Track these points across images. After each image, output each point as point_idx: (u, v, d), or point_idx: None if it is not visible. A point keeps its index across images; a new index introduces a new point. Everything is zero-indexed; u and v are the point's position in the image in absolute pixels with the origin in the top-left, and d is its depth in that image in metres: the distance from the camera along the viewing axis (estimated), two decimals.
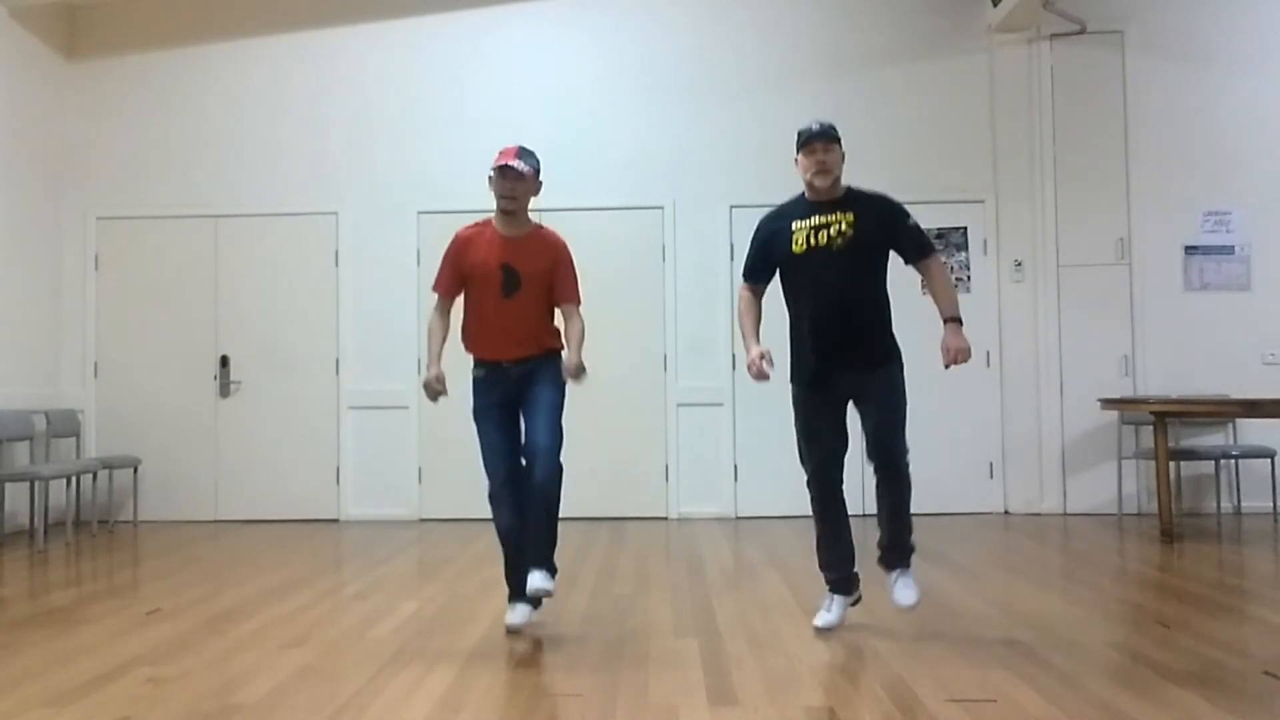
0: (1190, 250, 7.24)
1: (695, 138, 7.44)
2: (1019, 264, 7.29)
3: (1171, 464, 6.62)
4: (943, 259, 3.77)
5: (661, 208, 7.42)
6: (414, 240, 7.46)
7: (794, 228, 3.66)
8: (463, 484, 7.25)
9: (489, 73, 7.54)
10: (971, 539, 6.06)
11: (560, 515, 3.77)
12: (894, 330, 3.70)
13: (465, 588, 4.70)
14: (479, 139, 7.47)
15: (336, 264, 7.49)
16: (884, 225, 3.63)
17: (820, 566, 3.81)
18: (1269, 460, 6.86)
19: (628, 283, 7.34)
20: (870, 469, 3.65)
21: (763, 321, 3.82)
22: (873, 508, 3.72)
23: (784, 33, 7.47)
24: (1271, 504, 6.88)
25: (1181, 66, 7.30)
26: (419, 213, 7.47)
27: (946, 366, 3.62)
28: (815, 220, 3.64)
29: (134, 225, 7.58)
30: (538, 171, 3.82)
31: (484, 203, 7.30)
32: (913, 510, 3.64)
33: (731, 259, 7.34)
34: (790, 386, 3.75)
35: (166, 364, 7.50)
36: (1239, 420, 7.03)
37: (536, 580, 3.63)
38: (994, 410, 7.23)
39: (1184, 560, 5.22)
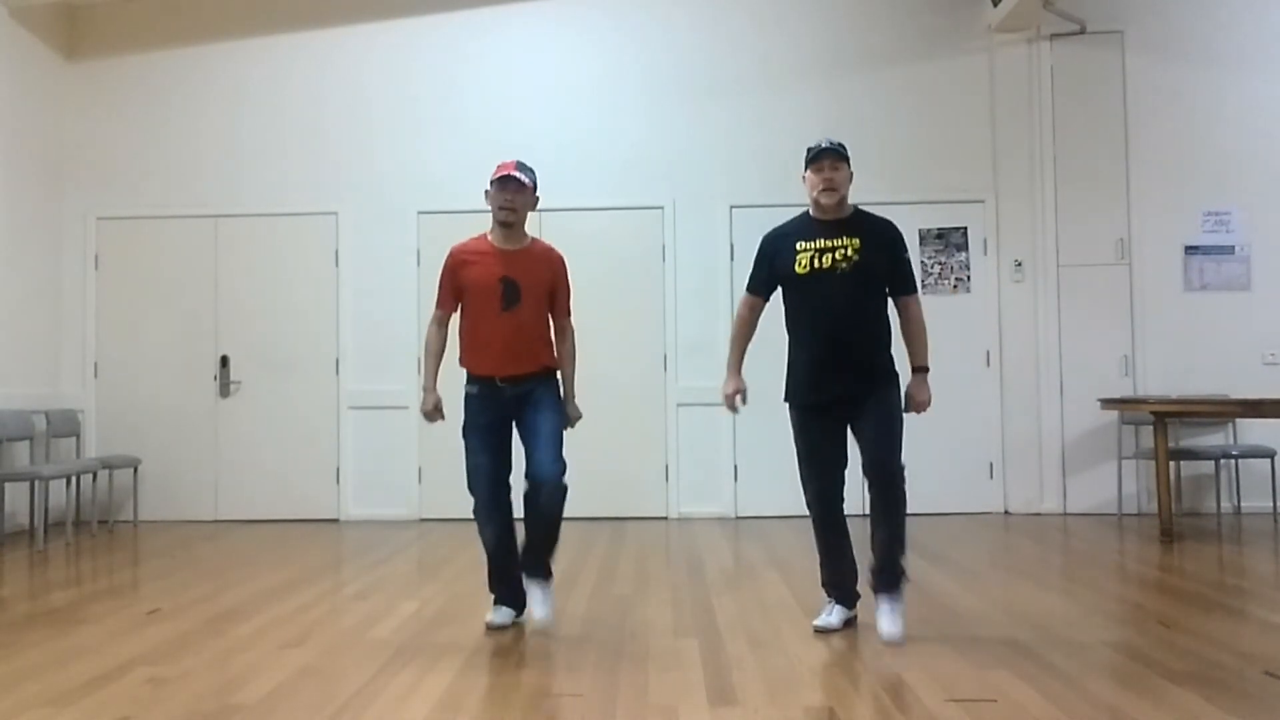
0: (1190, 250, 7.24)
1: (695, 138, 7.45)
2: (1019, 264, 7.29)
3: (1171, 464, 6.63)
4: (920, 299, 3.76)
5: (661, 208, 7.42)
6: (414, 240, 7.46)
7: (798, 248, 3.63)
8: (463, 484, 7.24)
9: (489, 73, 7.54)
10: (971, 539, 6.06)
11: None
12: (891, 352, 3.66)
13: (465, 588, 4.70)
14: (479, 139, 7.48)
15: (336, 264, 7.50)
16: (887, 252, 3.63)
17: (823, 584, 3.81)
18: (1269, 460, 6.86)
19: (628, 283, 7.34)
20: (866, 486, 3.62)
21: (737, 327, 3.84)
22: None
23: (784, 33, 7.48)
24: (1271, 504, 6.88)
25: (1181, 66, 7.30)
26: (419, 213, 7.47)
27: (907, 412, 3.64)
28: (821, 243, 3.61)
29: (134, 225, 7.58)
30: (535, 185, 3.85)
31: (483, 203, 7.34)
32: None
33: (731, 259, 7.34)
34: (788, 408, 3.73)
35: (166, 364, 7.51)
36: (1239, 420, 7.03)
37: (542, 612, 3.72)
38: (994, 410, 7.23)
39: (1184, 560, 5.22)
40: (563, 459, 3.71)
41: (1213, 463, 7.00)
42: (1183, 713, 2.75)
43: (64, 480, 7.11)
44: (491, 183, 3.77)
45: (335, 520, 7.36)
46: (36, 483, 6.38)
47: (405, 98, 7.55)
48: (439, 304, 3.85)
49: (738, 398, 3.73)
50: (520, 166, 3.77)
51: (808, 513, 3.75)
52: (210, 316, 7.52)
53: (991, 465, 7.25)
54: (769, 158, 7.40)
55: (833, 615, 3.76)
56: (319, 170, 7.55)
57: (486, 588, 3.93)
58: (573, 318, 3.93)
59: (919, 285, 3.82)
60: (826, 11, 7.48)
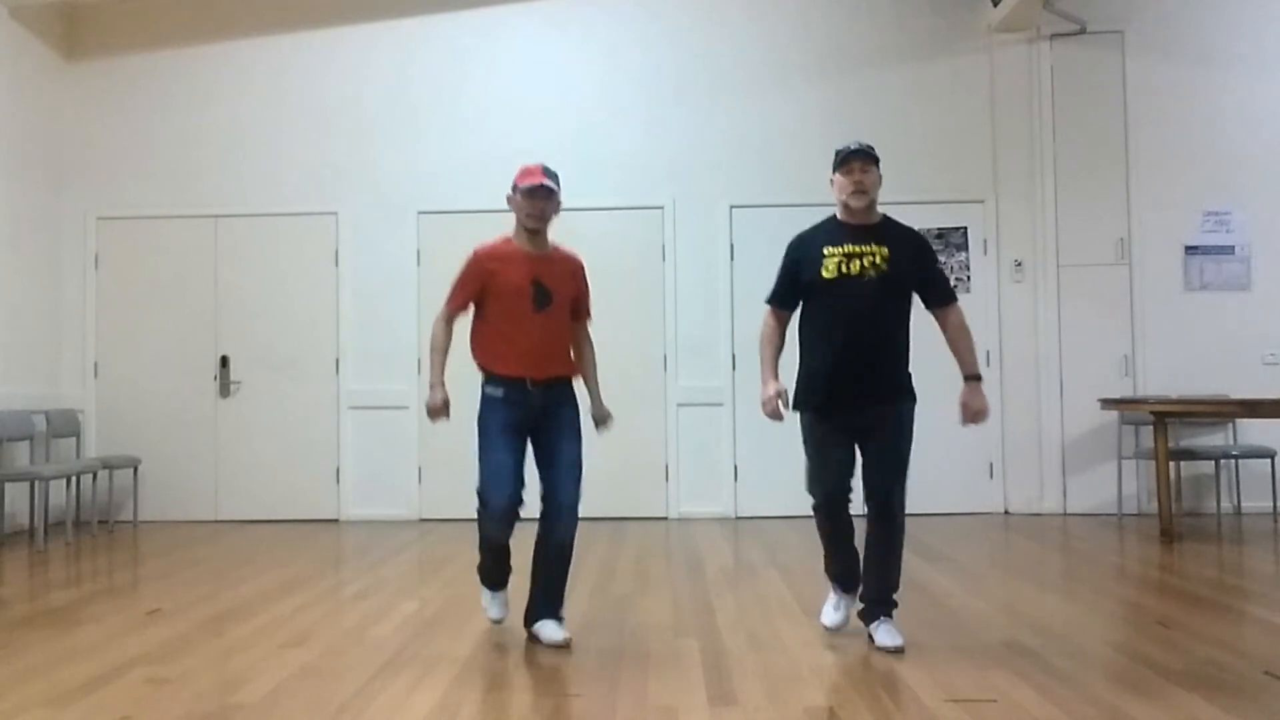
0: (1190, 250, 7.24)
1: (695, 138, 7.44)
2: (1019, 264, 7.29)
3: (1171, 464, 6.62)
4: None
5: (661, 208, 7.42)
6: (414, 240, 7.46)
7: (826, 253, 3.53)
8: (463, 484, 7.25)
9: (489, 73, 7.54)
10: (971, 539, 6.06)
11: None
12: (910, 370, 3.60)
13: (465, 588, 4.70)
14: (479, 139, 7.48)
15: (336, 264, 7.49)
16: (916, 263, 3.55)
17: (830, 574, 3.71)
18: (1269, 460, 6.86)
19: (628, 283, 7.34)
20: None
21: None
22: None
23: (784, 33, 7.47)
24: (1271, 504, 6.88)
25: (1181, 66, 7.30)
26: (419, 213, 7.47)
27: (964, 424, 3.55)
28: (849, 247, 3.52)
29: (134, 225, 7.58)
30: (559, 190, 3.73)
31: (483, 203, 7.37)
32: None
33: (731, 259, 7.34)
34: (800, 412, 3.61)
35: (166, 364, 7.51)
36: (1239, 420, 7.02)
37: (554, 634, 3.60)
38: (994, 410, 7.23)
39: (1184, 560, 5.22)
40: (581, 487, 3.64)
41: (1213, 463, 7.00)
42: (1183, 713, 2.75)
43: (64, 480, 7.11)
44: (518, 189, 3.64)
45: (335, 520, 7.36)
46: (36, 483, 6.38)
47: (405, 98, 7.55)
48: (451, 301, 3.70)
49: (779, 400, 3.55)
50: (547, 172, 3.64)
51: (810, 514, 3.63)
52: (210, 316, 7.52)
53: (991, 465, 7.25)
54: (769, 158, 7.40)
55: (840, 610, 3.71)
56: (319, 170, 7.55)
57: (478, 569, 3.81)
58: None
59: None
60: (827, 11, 7.48)
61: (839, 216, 3.62)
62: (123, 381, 7.51)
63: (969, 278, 7.28)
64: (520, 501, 3.56)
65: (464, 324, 3.74)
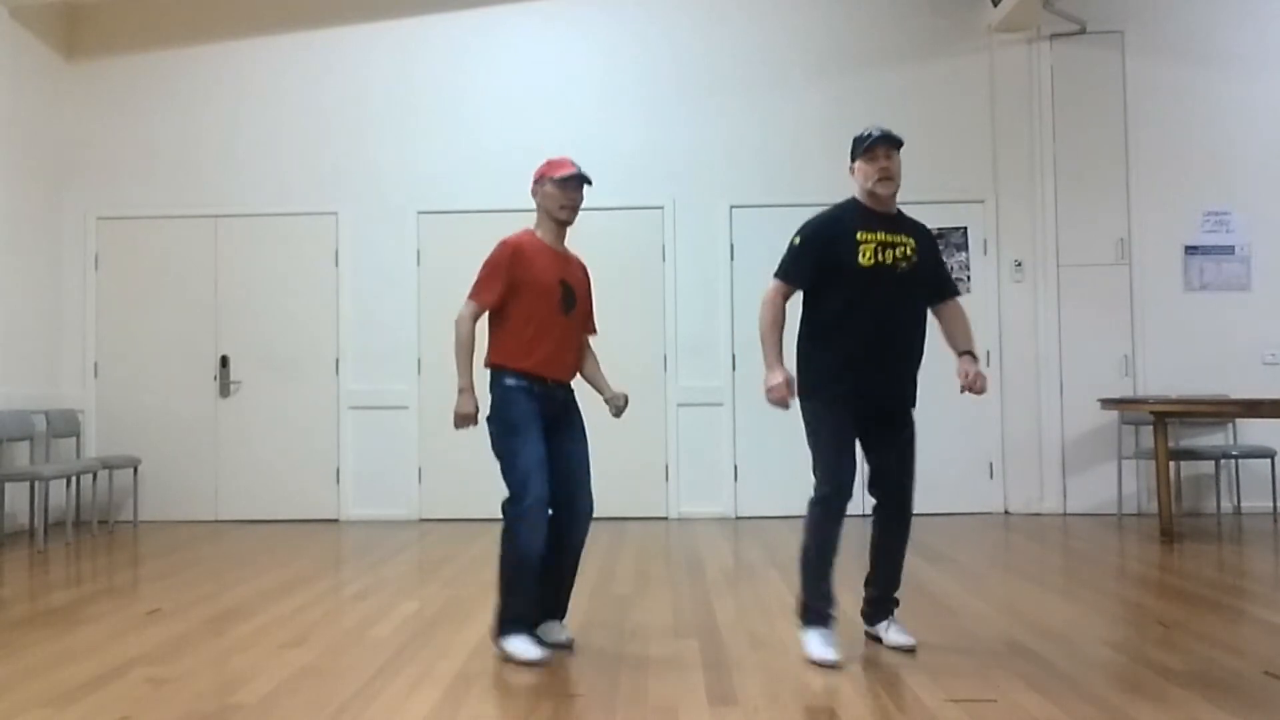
0: (1190, 250, 7.24)
1: (695, 138, 7.45)
2: (1019, 264, 7.29)
3: (1171, 464, 6.63)
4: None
5: (661, 208, 7.42)
6: (414, 240, 7.46)
7: (860, 238, 3.38)
8: (463, 484, 7.26)
9: (489, 73, 7.54)
10: (971, 539, 6.06)
11: None
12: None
13: (465, 588, 4.70)
14: (479, 139, 7.48)
15: (336, 264, 7.50)
16: (931, 256, 3.52)
17: (818, 598, 3.40)
18: (1269, 460, 6.86)
19: (628, 283, 7.34)
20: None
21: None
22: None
23: (784, 33, 7.48)
24: (1271, 504, 6.88)
25: (1181, 66, 7.30)
26: (419, 213, 7.47)
27: (962, 390, 3.45)
28: (883, 236, 3.40)
29: (134, 225, 7.58)
30: None
31: (483, 203, 7.37)
32: (913, 510, 3.59)
33: (731, 259, 7.35)
34: (810, 401, 3.43)
35: (166, 364, 7.51)
36: (1239, 420, 7.03)
37: (559, 634, 3.56)
38: (994, 410, 7.23)
39: (1184, 560, 5.22)
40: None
41: (1213, 463, 7.00)
42: (1183, 713, 2.75)
43: (64, 480, 7.11)
44: (550, 180, 3.53)
45: (335, 520, 7.36)
46: (36, 483, 6.38)
47: (405, 98, 7.55)
48: (482, 295, 3.48)
49: (788, 389, 3.38)
50: (575, 165, 3.58)
51: (812, 510, 3.39)
52: (210, 317, 7.52)
53: (991, 465, 7.25)
54: (769, 158, 7.40)
55: (834, 639, 3.40)
56: (319, 170, 7.55)
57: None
58: None
59: None
60: (827, 11, 7.48)
61: (864, 203, 3.48)
62: (123, 381, 7.51)
63: (969, 278, 7.28)
64: (549, 495, 3.44)
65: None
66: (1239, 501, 7.08)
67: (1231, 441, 7.06)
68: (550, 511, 3.48)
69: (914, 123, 7.36)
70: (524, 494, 3.36)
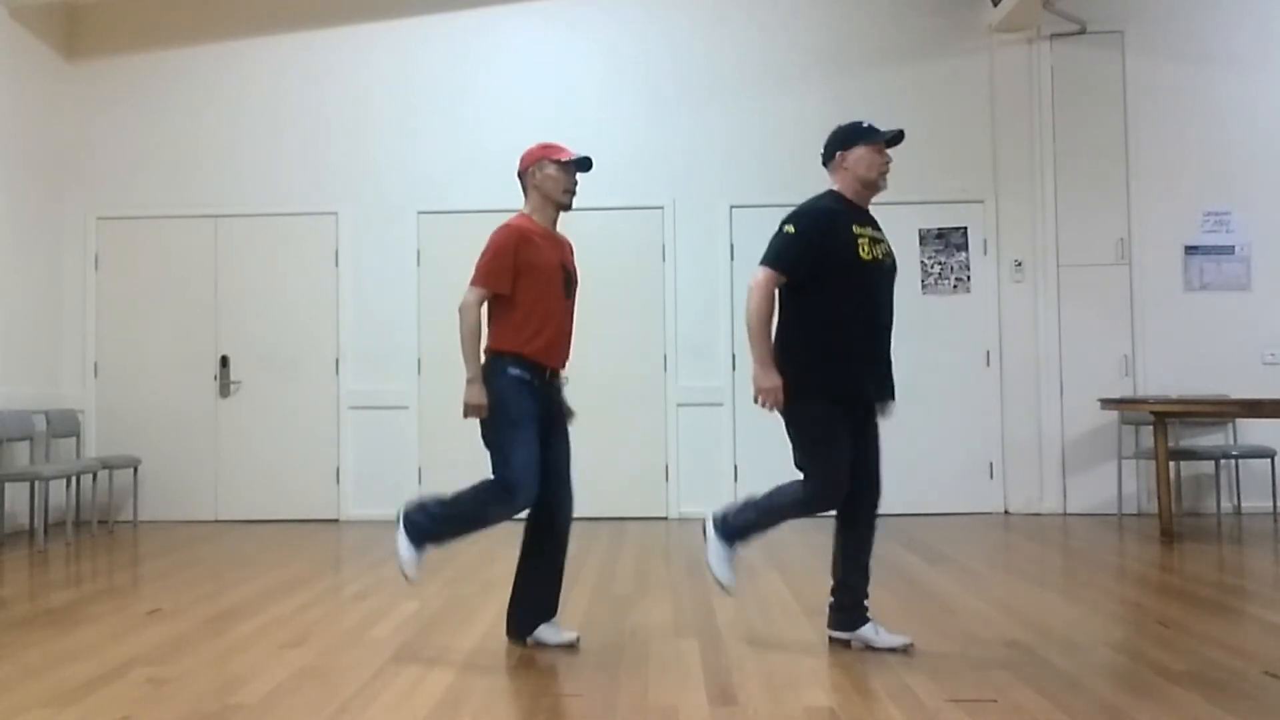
0: (1190, 250, 7.24)
1: (695, 138, 7.45)
2: (1019, 264, 7.29)
3: (1171, 464, 6.62)
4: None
5: (661, 208, 7.42)
6: (414, 240, 7.46)
7: (855, 231, 3.35)
8: (463, 484, 7.24)
9: (489, 73, 7.54)
10: (971, 539, 6.06)
11: None
12: None
13: (465, 588, 4.70)
14: (479, 139, 7.48)
15: (336, 264, 7.50)
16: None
17: (863, 596, 3.45)
18: (1269, 460, 6.86)
19: (628, 283, 7.34)
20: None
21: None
22: None
23: (784, 33, 7.47)
24: (1271, 504, 6.88)
25: (1181, 66, 7.30)
26: (419, 213, 7.47)
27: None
28: (871, 231, 3.40)
29: (134, 225, 7.58)
30: None
31: (483, 203, 7.36)
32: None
33: (731, 259, 7.34)
34: (810, 403, 3.34)
35: (166, 364, 7.51)
36: (1239, 420, 7.03)
37: (562, 634, 3.56)
38: (994, 410, 7.23)
39: (1184, 560, 5.22)
40: None
41: (1213, 463, 7.00)
42: (1183, 713, 2.75)
43: (64, 480, 7.11)
44: (550, 163, 3.50)
45: (335, 520, 7.36)
46: (36, 483, 6.38)
47: (405, 98, 7.55)
48: (488, 280, 3.41)
49: (779, 392, 3.33)
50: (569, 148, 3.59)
51: (795, 506, 3.37)
52: (210, 317, 7.52)
53: (991, 465, 7.25)
54: (769, 158, 7.40)
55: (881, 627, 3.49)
56: (319, 170, 7.55)
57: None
58: None
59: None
60: (826, 11, 7.48)
61: (850, 197, 3.45)
62: (123, 381, 7.51)
63: (969, 278, 7.28)
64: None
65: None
66: (1239, 501, 7.08)
67: (1231, 441, 7.06)
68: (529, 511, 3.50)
69: (914, 123, 7.36)
70: (516, 490, 3.36)
